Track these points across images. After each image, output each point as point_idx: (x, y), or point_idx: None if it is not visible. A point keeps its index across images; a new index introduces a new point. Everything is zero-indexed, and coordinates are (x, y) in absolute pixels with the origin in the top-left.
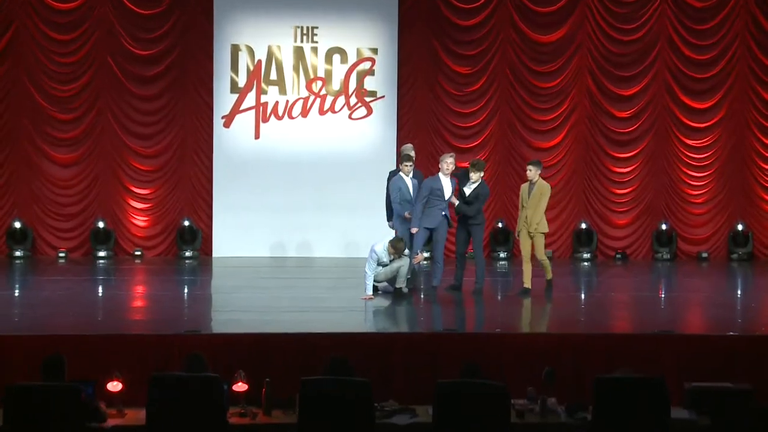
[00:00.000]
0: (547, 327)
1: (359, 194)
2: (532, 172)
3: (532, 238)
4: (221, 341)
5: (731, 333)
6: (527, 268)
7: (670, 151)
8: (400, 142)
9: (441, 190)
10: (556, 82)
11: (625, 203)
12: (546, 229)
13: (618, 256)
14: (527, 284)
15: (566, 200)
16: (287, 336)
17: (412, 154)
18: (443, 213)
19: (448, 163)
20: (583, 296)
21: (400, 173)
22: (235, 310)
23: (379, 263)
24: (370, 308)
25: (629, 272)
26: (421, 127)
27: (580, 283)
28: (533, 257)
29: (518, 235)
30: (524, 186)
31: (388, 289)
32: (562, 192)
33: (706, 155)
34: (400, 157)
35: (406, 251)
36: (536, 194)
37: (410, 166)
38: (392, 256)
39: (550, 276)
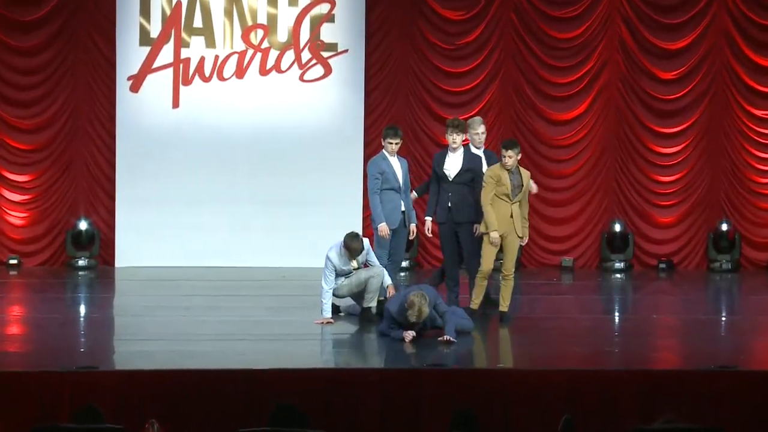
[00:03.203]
0: (565, 361)
1: (314, 183)
2: (513, 158)
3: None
4: (127, 381)
5: None
6: (483, 285)
7: (731, 124)
8: (368, 110)
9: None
10: (578, 31)
11: (671, 195)
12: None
13: (662, 265)
14: (504, 307)
15: (592, 191)
16: (215, 374)
17: (480, 130)
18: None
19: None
20: (615, 319)
21: (383, 151)
22: (145, 338)
23: (339, 274)
24: (329, 336)
25: (677, 287)
26: (398, 92)
27: (611, 301)
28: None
29: (493, 239)
30: (502, 172)
31: (354, 310)
32: (587, 180)
33: None
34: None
35: (372, 257)
36: (526, 188)
37: (396, 144)
38: (351, 263)
39: (508, 303)
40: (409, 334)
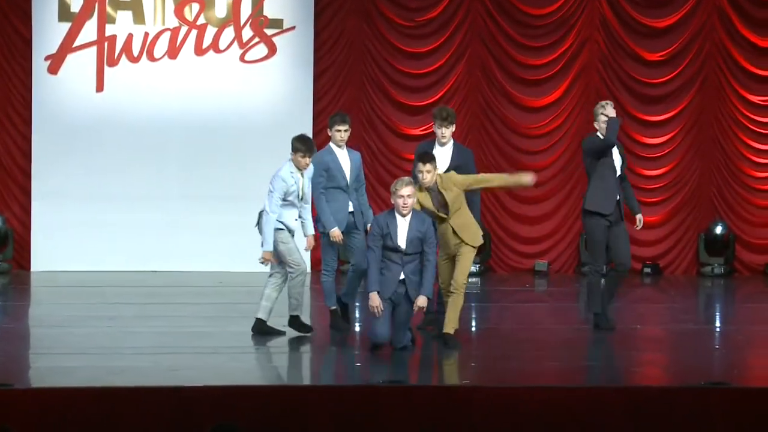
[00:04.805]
0: (539, 377)
1: (256, 176)
2: (431, 173)
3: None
4: (45, 400)
5: None
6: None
7: (724, 112)
8: (318, 95)
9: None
10: (554, 7)
11: (657, 190)
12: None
13: (647, 269)
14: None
15: (569, 188)
16: (145, 392)
17: (608, 111)
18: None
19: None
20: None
21: (330, 144)
22: (65, 352)
23: (289, 195)
24: (274, 349)
25: (664, 294)
26: (351, 75)
27: (590, 310)
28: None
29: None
30: (421, 194)
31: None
32: (563, 175)
33: None
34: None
35: (308, 181)
36: (456, 199)
37: (345, 131)
38: (302, 171)
39: (454, 325)
40: (375, 299)
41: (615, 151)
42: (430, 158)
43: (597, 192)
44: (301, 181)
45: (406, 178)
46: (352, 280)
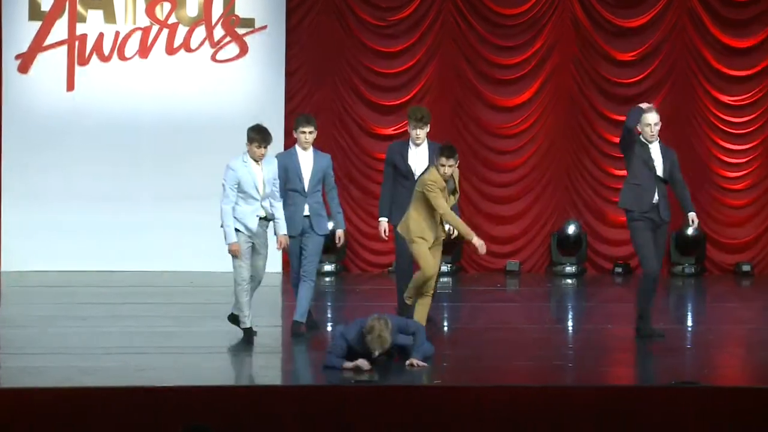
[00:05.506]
0: (509, 376)
1: None
2: (453, 168)
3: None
4: (15, 400)
5: None
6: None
7: (695, 111)
8: (290, 94)
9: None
10: (526, 6)
11: None
12: None
13: (618, 269)
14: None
15: (541, 186)
16: (116, 392)
17: (654, 120)
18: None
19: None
20: (570, 330)
21: (295, 145)
22: (36, 352)
23: (245, 188)
24: (244, 350)
25: (634, 294)
26: (323, 74)
27: (562, 309)
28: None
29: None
30: (442, 182)
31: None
32: (535, 174)
33: (749, 118)
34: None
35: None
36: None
37: (310, 133)
38: (258, 162)
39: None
40: (365, 364)
41: (656, 151)
42: (453, 153)
43: (626, 188)
44: (259, 172)
45: (377, 326)
46: (304, 293)
